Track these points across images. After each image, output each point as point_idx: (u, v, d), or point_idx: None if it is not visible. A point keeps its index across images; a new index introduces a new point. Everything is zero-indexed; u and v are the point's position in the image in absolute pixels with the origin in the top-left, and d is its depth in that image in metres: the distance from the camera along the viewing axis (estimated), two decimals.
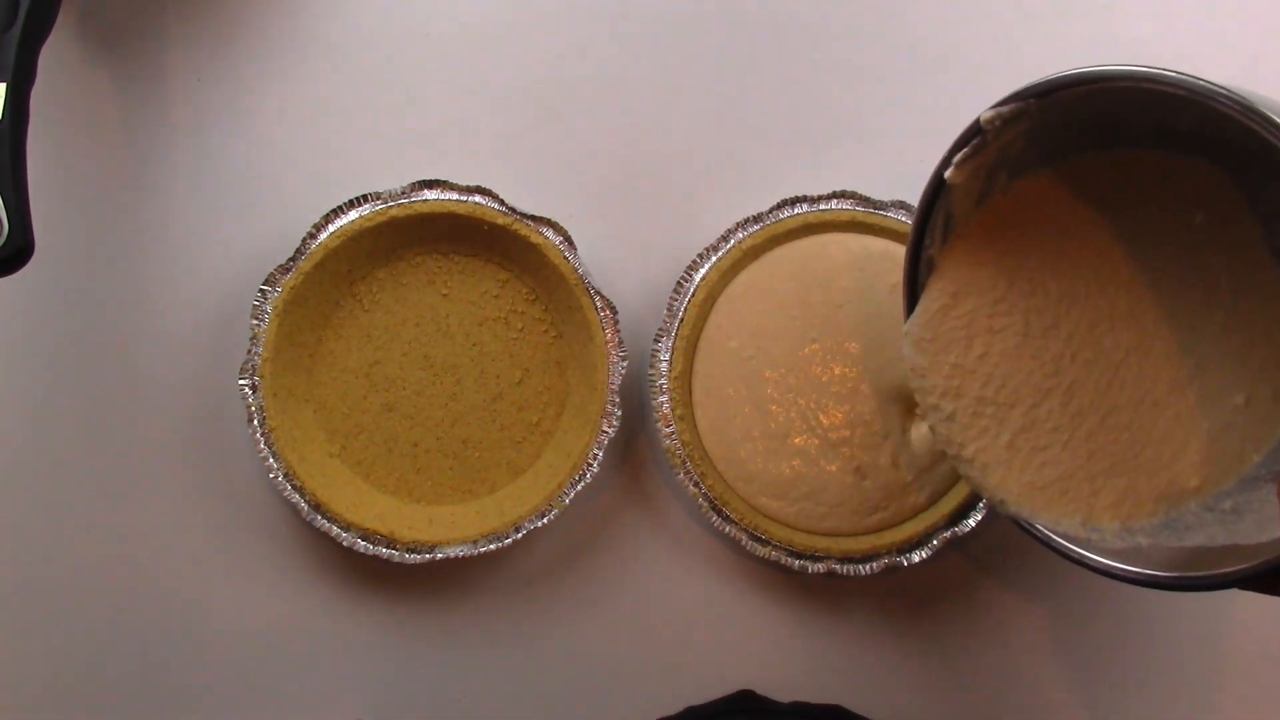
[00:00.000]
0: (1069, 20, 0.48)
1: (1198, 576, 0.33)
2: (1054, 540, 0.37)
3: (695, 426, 0.45)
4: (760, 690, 0.46)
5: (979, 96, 0.47)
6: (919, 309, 0.39)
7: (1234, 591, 0.32)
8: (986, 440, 0.38)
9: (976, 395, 0.38)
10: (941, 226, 0.39)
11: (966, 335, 0.39)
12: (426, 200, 0.45)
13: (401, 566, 0.45)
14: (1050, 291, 0.38)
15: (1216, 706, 0.46)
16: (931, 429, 0.39)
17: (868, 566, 0.44)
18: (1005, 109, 0.35)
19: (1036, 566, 0.46)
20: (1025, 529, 0.37)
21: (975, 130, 0.36)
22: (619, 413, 0.44)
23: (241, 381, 0.45)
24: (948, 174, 0.36)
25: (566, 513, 0.45)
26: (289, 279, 0.45)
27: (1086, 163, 0.38)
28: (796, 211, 0.46)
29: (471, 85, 0.48)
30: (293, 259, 0.45)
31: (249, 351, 0.45)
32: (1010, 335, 0.39)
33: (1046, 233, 0.38)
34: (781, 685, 0.46)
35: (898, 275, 0.41)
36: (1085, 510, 0.37)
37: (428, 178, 0.46)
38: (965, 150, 0.36)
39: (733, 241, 0.46)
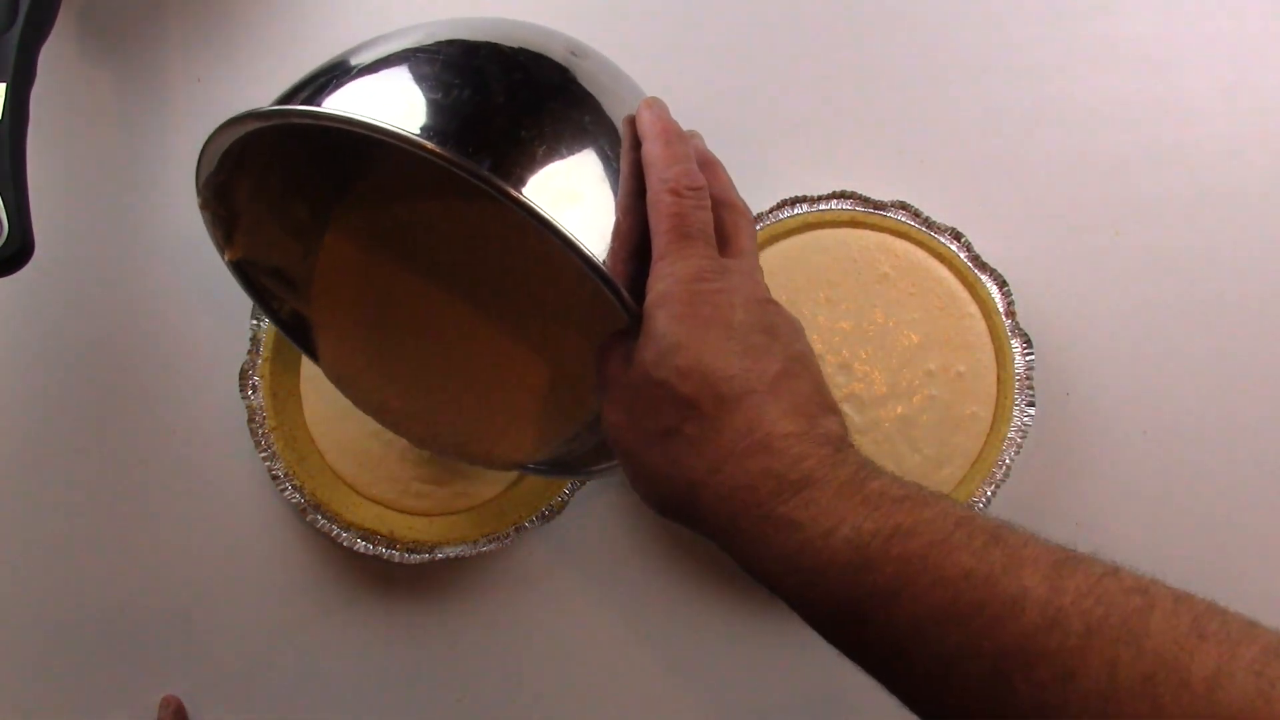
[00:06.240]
0: (1067, 21, 0.48)
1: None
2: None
3: None
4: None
5: (979, 98, 0.48)
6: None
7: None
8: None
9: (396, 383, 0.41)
10: (284, 284, 0.40)
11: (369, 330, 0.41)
12: None
13: (401, 566, 0.45)
14: (406, 300, 0.41)
15: None
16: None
17: None
18: (201, 185, 0.35)
19: None
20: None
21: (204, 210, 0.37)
22: None
23: (241, 382, 0.45)
24: (226, 256, 0.38)
25: (566, 513, 0.45)
26: None
27: (356, 209, 0.40)
28: (796, 211, 0.46)
29: None
30: None
31: (249, 352, 0.45)
32: (394, 331, 0.41)
33: (375, 266, 0.40)
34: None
35: (887, 265, 0.43)
36: (525, 452, 0.41)
37: None
38: (212, 231, 0.37)
39: None
